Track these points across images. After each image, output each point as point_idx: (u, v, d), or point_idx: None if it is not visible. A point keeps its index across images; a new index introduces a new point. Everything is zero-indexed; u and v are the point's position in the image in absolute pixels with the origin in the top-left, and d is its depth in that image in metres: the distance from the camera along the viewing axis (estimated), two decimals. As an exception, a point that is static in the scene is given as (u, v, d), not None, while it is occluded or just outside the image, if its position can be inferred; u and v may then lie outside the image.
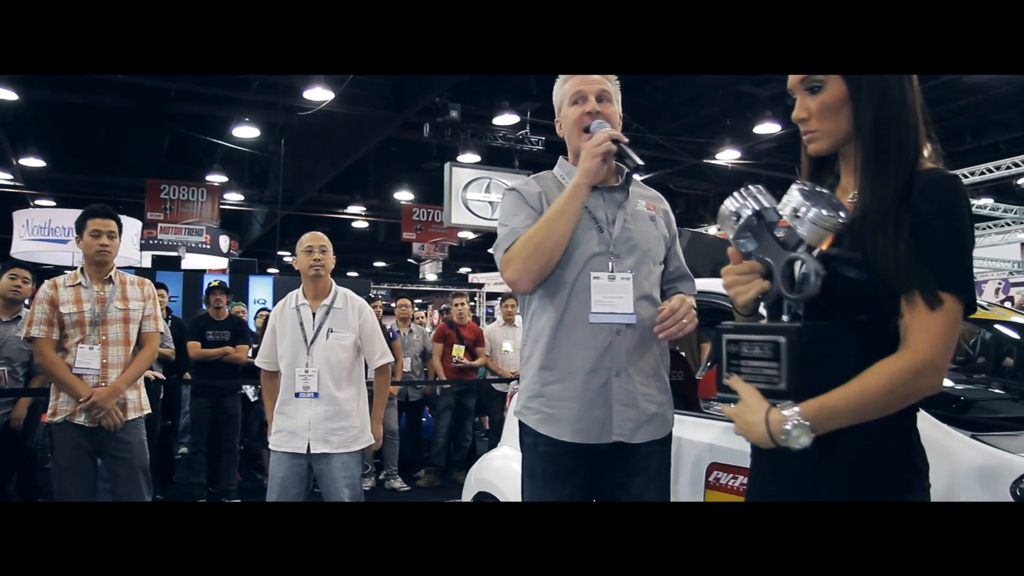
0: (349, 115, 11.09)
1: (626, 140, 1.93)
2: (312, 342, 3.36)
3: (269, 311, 8.29)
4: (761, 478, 1.45)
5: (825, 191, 1.30)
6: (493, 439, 7.21)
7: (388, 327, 6.48)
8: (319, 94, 9.88)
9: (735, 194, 1.36)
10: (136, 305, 3.38)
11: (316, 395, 3.31)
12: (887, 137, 1.31)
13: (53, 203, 14.96)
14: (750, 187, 1.36)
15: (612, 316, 1.90)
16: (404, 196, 15.66)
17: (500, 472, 3.02)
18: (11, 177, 13.83)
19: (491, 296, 18.34)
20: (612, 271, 1.93)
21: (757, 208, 1.32)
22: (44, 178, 14.35)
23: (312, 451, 3.29)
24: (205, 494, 5.85)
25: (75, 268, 3.44)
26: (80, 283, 3.31)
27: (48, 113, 11.35)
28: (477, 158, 11.20)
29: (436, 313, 14.09)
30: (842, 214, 1.25)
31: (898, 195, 1.27)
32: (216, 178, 14.24)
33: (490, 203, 10.85)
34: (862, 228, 1.28)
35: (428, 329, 8.16)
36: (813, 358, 1.21)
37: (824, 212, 1.24)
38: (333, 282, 3.50)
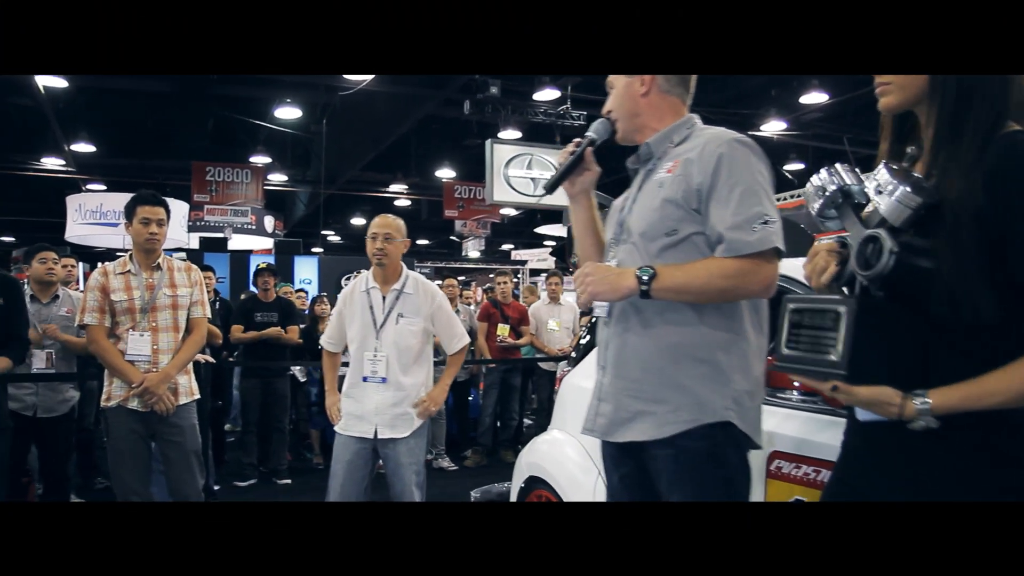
0: (389, 94, 11.06)
1: (572, 150, 1.90)
2: (382, 327, 3.32)
3: (306, 292, 8.39)
4: (851, 469, 1.37)
5: (915, 174, 1.23)
6: (540, 418, 7.19)
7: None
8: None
9: (822, 170, 1.34)
10: (184, 291, 3.42)
11: (384, 380, 3.29)
12: (967, 99, 1.21)
13: (104, 187, 15.27)
14: (838, 165, 1.34)
15: (598, 309, 1.86)
16: (446, 174, 15.63)
17: (550, 456, 2.99)
18: (63, 163, 14.15)
19: (534, 272, 18.33)
20: (610, 261, 1.87)
21: (842, 185, 1.30)
22: (94, 163, 14.65)
23: (379, 436, 3.28)
24: (256, 474, 5.96)
25: (126, 251, 3.47)
26: (129, 270, 3.35)
27: (96, 99, 11.54)
28: (518, 134, 11.07)
29: (480, 291, 14.09)
30: (926, 197, 1.19)
31: (974, 166, 1.17)
32: (260, 159, 14.39)
33: (532, 179, 10.74)
34: (937, 213, 1.19)
35: (473, 307, 8.13)
36: (870, 333, 1.18)
37: (909, 191, 1.18)
38: (404, 266, 3.44)
